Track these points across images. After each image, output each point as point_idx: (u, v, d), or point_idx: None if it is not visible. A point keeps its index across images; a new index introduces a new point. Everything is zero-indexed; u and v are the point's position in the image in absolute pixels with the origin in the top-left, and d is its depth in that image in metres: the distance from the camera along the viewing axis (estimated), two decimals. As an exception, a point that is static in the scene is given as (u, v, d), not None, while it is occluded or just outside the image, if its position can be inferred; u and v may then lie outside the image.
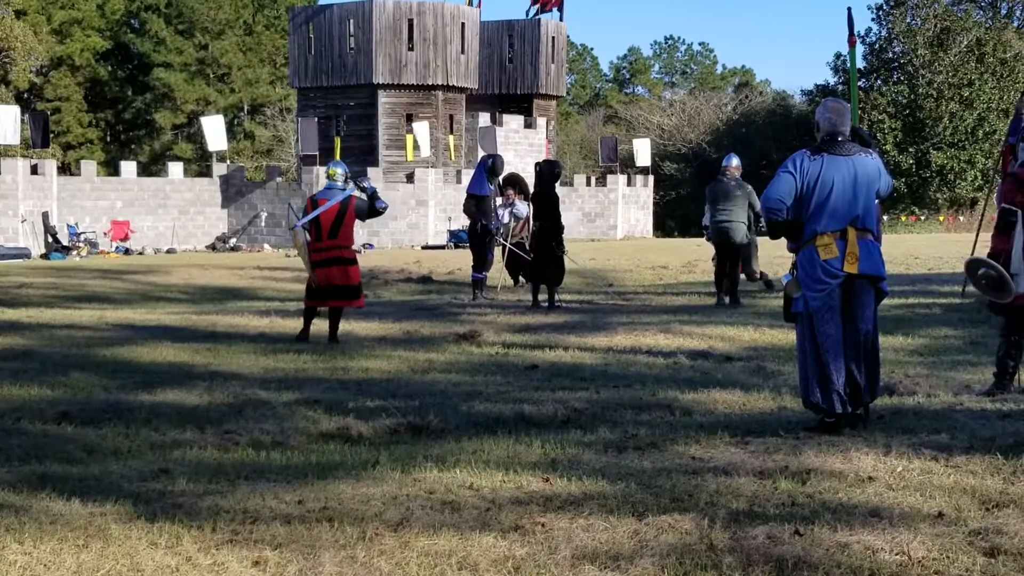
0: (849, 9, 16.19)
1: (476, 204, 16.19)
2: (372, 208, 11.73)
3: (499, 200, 17.25)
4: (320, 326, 11.86)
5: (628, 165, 54.04)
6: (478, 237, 16.39)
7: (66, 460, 6.36)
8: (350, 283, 11.73)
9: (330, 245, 11.68)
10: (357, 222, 11.97)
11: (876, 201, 6.88)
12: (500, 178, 16.92)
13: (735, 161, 14.73)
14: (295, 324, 12.93)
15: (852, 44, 15.92)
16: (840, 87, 59.81)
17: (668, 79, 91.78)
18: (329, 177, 11.99)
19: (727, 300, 14.54)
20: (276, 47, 66.87)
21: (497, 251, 17.11)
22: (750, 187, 14.58)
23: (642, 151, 52.35)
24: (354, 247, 12.06)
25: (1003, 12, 64.73)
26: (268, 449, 6.71)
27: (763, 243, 17.14)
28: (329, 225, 11.64)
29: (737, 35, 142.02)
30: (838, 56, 61.95)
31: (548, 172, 14.81)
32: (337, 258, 11.71)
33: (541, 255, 14.54)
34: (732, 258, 14.62)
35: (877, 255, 6.61)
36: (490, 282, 17.20)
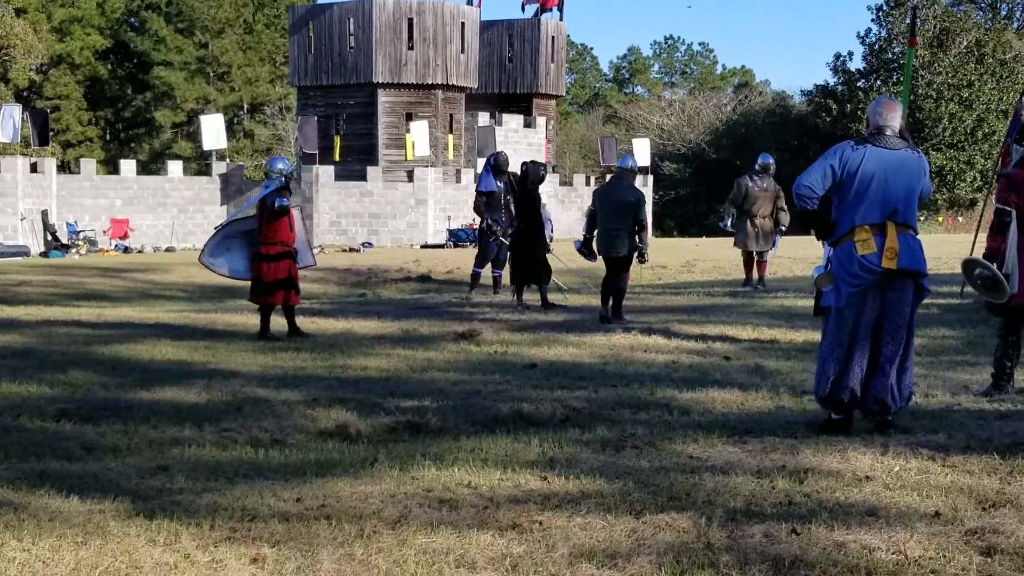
0: (914, 9, 16.29)
1: (486, 201, 16.26)
2: (271, 204, 11.80)
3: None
4: (301, 324, 11.92)
5: (627, 165, 53.97)
6: (484, 234, 16.44)
7: (65, 457, 6.37)
8: (280, 276, 11.87)
9: (263, 241, 11.92)
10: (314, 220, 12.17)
11: None
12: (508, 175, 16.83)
13: (630, 162, 13.34)
14: (309, 323, 12.95)
15: (912, 44, 15.93)
16: (840, 87, 59.87)
17: (668, 79, 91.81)
18: (266, 175, 12.19)
19: (611, 315, 12.84)
20: (276, 46, 66.89)
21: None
22: (643, 194, 13.13)
23: (641, 151, 52.32)
24: (288, 243, 12.02)
25: (1003, 13, 64.79)
26: (266, 447, 6.72)
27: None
28: (262, 223, 11.93)
29: (737, 35, 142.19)
30: (837, 57, 62.04)
31: (534, 173, 14.61)
32: (261, 254, 11.91)
33: (524, 255, 14.35)
34: (619, 271, 12.93)
35: (919, 251, 6.46)
36: (488, 281, 17.15)
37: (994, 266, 7.63)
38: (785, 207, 16.79)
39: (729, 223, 17.24)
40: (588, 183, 50.65)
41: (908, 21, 15.55)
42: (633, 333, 11.72)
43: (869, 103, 6.79)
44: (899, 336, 6.47)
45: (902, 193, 6.40)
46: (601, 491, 5.26)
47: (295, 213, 12.22)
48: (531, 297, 15.36)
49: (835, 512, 4.85)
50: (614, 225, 12.72)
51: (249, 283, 12.23)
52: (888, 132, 6.46)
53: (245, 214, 12.78)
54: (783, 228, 16.85)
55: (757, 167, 16.90)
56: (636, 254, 12.82)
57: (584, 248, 13.33)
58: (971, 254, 9.59)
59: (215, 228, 12.93)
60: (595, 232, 13.00)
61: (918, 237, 6.55)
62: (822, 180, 6.43)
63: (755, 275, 17.28)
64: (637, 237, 12.74)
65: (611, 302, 12.90)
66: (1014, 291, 7.62)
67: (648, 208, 56.54)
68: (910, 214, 6.46)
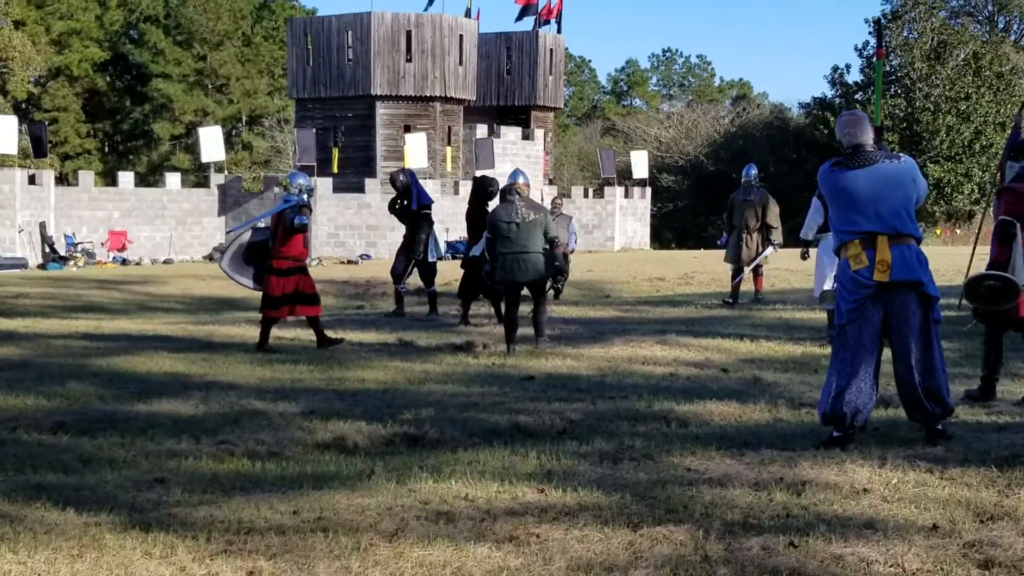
0: (878, 21, 16.24)
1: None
2: (291, 221, 11.80)
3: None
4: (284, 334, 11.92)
5: (626, 177, 54.14)
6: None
7: (61, 470, 6.35)
8: (287, 291, 11.87)
9: (275, 255, 11.95)
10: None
11: None
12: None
13: (521, 179, 12.04)
14: (291, 335, 12.93)
15: (880, 56, 15.91)
16: (838, 100, 59.98)
17: (666, 91, 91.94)
18: (284, 188, 12.22)
19: (515, 349, 11.43)
20: (274, 58, 67.00)
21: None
22: (547, 209, 11.85)
23: (640, 163, 52.46)
24: (301, 258, 12.05)
25: (1000, 26, 65.00)
26: (263, 459, 6.71)
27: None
28: (275, 236, 11.96)
29: (735, 48, 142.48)
30: (835, 69, 62.16)
31: (480, 187, 14.24)
32: (272, 267, 11.92)
33: (476, 272, 13.55)
34: (536, 298, 11.73)
35: (914, 260, 6.38)
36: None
37: (1004, 274, 7.68)
38: (775, 222, 16.44)
39: (724, 240, 17.16)
40: (586, 195, 50.79)
41: (875, 34, 15.29)
42: (631, 345, 11.72)
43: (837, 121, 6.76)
44: (908, 348, 6.42)
45: (890, 206, 6.35)
46: (598, 503, 5.25)
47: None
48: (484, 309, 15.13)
49: (833, 525, 4.85)
50: (519, 248, 11.46)
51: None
52: (868, 148, 6.46)
53: (260, 224, 12.69)
54: (774, 242, 16.46)
55: (742, 180, 16.75)
56: (550, 279, 11.79)
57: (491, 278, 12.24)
58: (970, 267, 9.62)
59: (228, 231, 12.94)
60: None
61: (918, 246, 6.47)
62: (816, 214, 6.49)
63: (747, 288, 16.94)
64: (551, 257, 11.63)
65: (525, 330, 11.65)
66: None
67: (646, 220, 56.42)
68: (903, 224, 6.38)
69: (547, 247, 11.57)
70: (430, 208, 15.27)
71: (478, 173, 43.30)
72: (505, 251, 11.54)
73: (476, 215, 14.17)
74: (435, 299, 15.57)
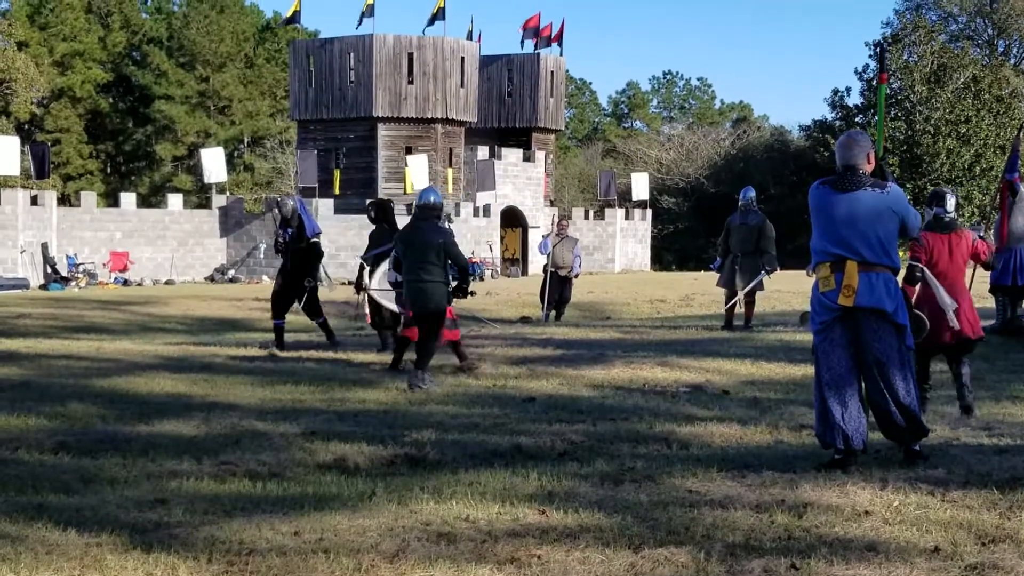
0: (881, 45, 16.28)
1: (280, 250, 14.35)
2: None
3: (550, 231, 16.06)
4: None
5: (626, 199, 54.24)
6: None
7: (63, 490, 6.35)
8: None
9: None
10: None
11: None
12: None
13: (431, 197, 11.17)
14: (293, 355, 12.93)
15: (883, 80, 15.93)
16: (838, 123, 60.12)
17: (666, 114, 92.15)
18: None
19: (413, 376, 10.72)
20: (276, 80, 67.23)
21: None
22: (450, 232, 11.39)
23: (640, 185, 52.59)
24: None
25: (1000, 49, 65.20)
26: (265, 480, 6.70)
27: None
28: None
29: (735, 70, 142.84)
30: (835, 92, 62.31)
31: (380, 209, 13.59)
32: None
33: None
34: (433, 327, 10.99)
35: (882, 288, 6.37)
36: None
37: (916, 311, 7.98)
38: (770, 248, 15.99)
39: (718, 264, 16.94)
40: (587, 217, 50.88)
41: (878, 59, 15.35)
42: (632, 367, 11.72)
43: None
44: (877, 370, 6.43)
45: (863, 235, 6.35)
46: (600, 525, 5.25)
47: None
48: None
49: (834, 547, 4.84)
50: (421, 275, 10.81)
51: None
52: (860, 172, 6.44)
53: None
54: (767, 268, 15.97)
55: (739, 203, 16.29)
56: (456, 290, 11.14)
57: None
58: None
59: (362, 256, 13.32)
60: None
61: (891, 275, 6.45)
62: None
63: (740, 311, 16.61)
64: (459, 280, 11.13)
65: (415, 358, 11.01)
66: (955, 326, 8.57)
67: (647, 242, 56.39)
68: (875, 255, 6.37)
69: (452, 276, 11.00)
70: (319, 237, 14.17)
71: (479, 195, 43.51)
72: (412, 277, 10.93)
73: (379, 236, 13.44)
74: (327, 326, 14.59)
